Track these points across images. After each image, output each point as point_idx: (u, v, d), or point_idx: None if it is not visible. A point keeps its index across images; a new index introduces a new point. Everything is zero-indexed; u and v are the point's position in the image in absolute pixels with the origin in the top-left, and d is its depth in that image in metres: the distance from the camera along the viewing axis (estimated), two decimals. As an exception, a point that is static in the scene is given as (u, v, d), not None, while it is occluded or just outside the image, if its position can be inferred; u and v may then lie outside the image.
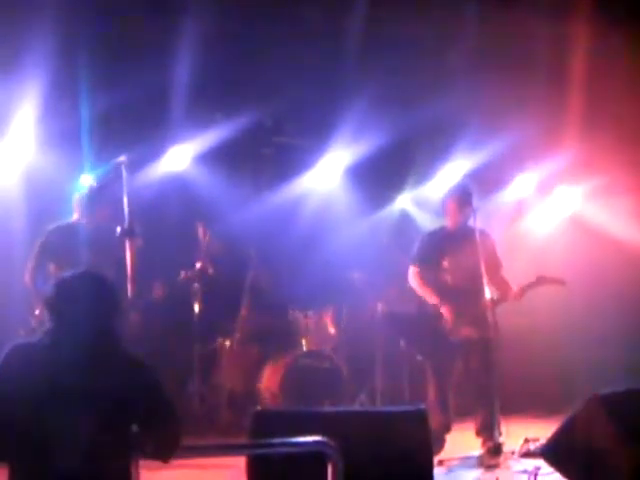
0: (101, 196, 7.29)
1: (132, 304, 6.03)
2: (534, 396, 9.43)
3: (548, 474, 6.09)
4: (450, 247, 7.51)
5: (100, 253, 6.78)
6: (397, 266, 8.19)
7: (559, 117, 9.26)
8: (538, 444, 6.91)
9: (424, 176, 10.55)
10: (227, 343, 8.95)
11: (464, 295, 7.35)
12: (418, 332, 7.74)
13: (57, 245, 7.19)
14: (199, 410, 8.66)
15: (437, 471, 5.89)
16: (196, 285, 8.59)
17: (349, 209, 10.27)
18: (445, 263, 7.48)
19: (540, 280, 7.48)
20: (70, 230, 7.33)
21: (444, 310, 7.32)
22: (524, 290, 7.45)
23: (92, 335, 3.77)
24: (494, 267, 7.45)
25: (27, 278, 7.28)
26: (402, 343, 8.96)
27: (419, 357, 7.72)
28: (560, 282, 7.61)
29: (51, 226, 7.44)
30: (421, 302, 7.57)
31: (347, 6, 8.05)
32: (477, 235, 7.22)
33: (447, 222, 7.64)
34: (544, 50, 8.62)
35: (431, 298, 7.43)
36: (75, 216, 7.46)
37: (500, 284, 7.45)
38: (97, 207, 7.30)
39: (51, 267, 7.16)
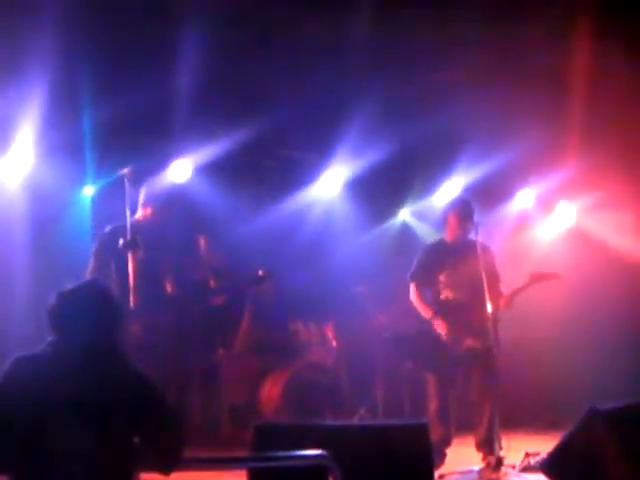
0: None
1: (134, 315, 6.04)
2: (535, 410, 9.43)
3: (548, 489, 6.08)
4: (449, 261, 7.51)
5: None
6: (399, 279, 8.19)
7: (560, 132, 9.30)
8: (538, 458, 6.89)
9: (426, 189, 10.57)
10: (228, 355, 8.95)
11: (465, 308, 7.35)
12: (422, 349, 7.73)
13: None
14: (200, 422, 8.66)
15: (438, 485, 5.90)
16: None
17: (351, 222, 10.27)
18: (442, 277, 7.49)
19: (534, 278, 7.45)
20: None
21: (437, 324, 7.33)
22: (511, 297, 7.42)
23: (93, 347, 3.78)
24: (493, 280, 7.44)
25: None
26: (409, 365, 8.98)
27: (427, 374, 7.67)
28: (555, 277, 7.58)
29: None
30: (421, 317, 7.57)
31: (349, 20, 8.08)
32: (478, 248, 7.22)
33: (447, 235, 7.64)
34: (545, 66, 8.66)
35: (425, 312, 7.44)
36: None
37: (497, 297, 7.43)
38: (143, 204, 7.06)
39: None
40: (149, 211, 7.05)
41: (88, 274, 6.81)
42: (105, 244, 6.95)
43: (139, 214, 7.02)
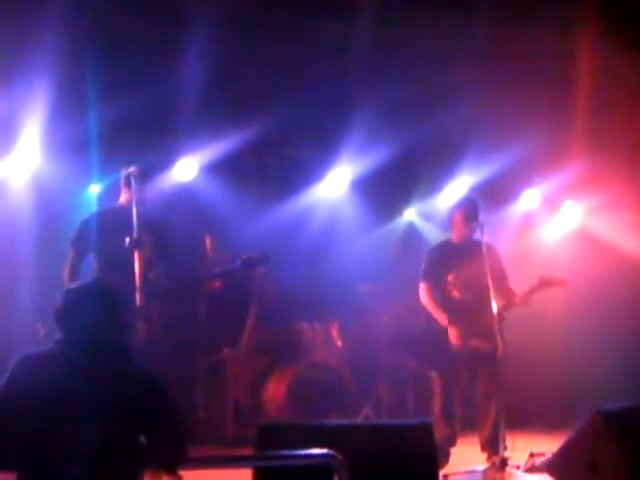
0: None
1: (140, 313, 6.03)
2: (540, 411, 9.42)
3: (553, 489, 6.08)
4: (456, 261, 7.51)
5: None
6: (404, 279, 8.20)
7: (566, 132, 9.29)
8: (543, 459, 6.89)
9: (431, 189, 10.57)
10: (233, 354, 8.95)
11: (471, 308, 7.35)
12: (427, 349, 7.74)
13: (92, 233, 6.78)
14: (204, 421, 8.66)
15: (442, 485, 5.90)
16: None
17: (356, 222, 10.27)
18: (451, 277, 7.49)
19: (542, 281, 7.44)
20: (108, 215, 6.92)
21: (452, 331, 7.31)
22: (529, 294, 7.43)
23: (99, 345, 3.79)
24: (501, 279, 7.44)
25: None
26: (413, 363, 8.99)
27: (433, 373, 7.67)
28: (562, 283, 7.58)
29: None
30: (429, 316, 7.56)
31: (354, 21, 8.09)
32: (484, 248, 7.22)
33: (453, 236, 7.65)
34: (551, 66, 8.66)
35: (441, 318, 7.41)
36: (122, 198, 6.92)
37: (508, 294, 7.45)
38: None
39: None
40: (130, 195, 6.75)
41: (67, 266, 6.67)
42: (85, 231, 6.80)
43: (122, 198, 6.89)
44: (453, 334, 7.29)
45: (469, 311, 7.33)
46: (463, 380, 7.55)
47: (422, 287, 7.58)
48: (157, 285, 6.54)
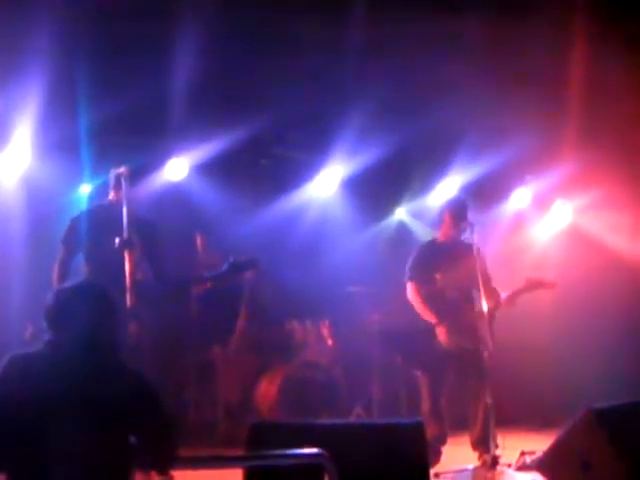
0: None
1: (131, 314, 6.02)
2: (531, 409, 9.44)
3: (544, 487, 6.08)
4: (442, 260, 7.52)
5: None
6: (395, 278, 8.20)
7: (557, 131, 9.30)
8: (534, 457, 6.90)
9: (422, 189, 10.58)
10: (224, 353, 8.95)
11: (458, 307, 7.36)
12: (413, 347, 7.75)
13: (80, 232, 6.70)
14: (195, 421, 8.66)
15: (433, 484, 5.90)
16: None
17: (347, 221, 10.28)
18: (437, 276, 7.49)
19: (529, 283, 7.46)
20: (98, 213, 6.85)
21: (441, 331, 7.32)
22: (515, 295, 7.45)
23: (89, 346, 3.78)
24: (486, 279, 7.45)
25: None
26: (399, 360, 8.99)
27: (417, 372, 7.69)
28: (550, 285, 7.59)
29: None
30: (416, 315, 7.57)
31: (345, 19, 8.08)
32: (475, 248, 7.23)
33: (440, 235, 7.66)
34: (542, 65, 8.66)
35: (430, 317, 7.42)
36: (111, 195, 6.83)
37: (491, 294, 7.45)
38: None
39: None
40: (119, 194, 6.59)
41: (56, 265, 6.61)
42: (75, 229, 6.73)
43: (111, 196, 6.86)
44: (442, 333, 7.31)
45: (456, 310, 7.35)
46: (450, 378, 7.56)
47: (409, 286, 7.58)
48: (144, 285, 6.52)
